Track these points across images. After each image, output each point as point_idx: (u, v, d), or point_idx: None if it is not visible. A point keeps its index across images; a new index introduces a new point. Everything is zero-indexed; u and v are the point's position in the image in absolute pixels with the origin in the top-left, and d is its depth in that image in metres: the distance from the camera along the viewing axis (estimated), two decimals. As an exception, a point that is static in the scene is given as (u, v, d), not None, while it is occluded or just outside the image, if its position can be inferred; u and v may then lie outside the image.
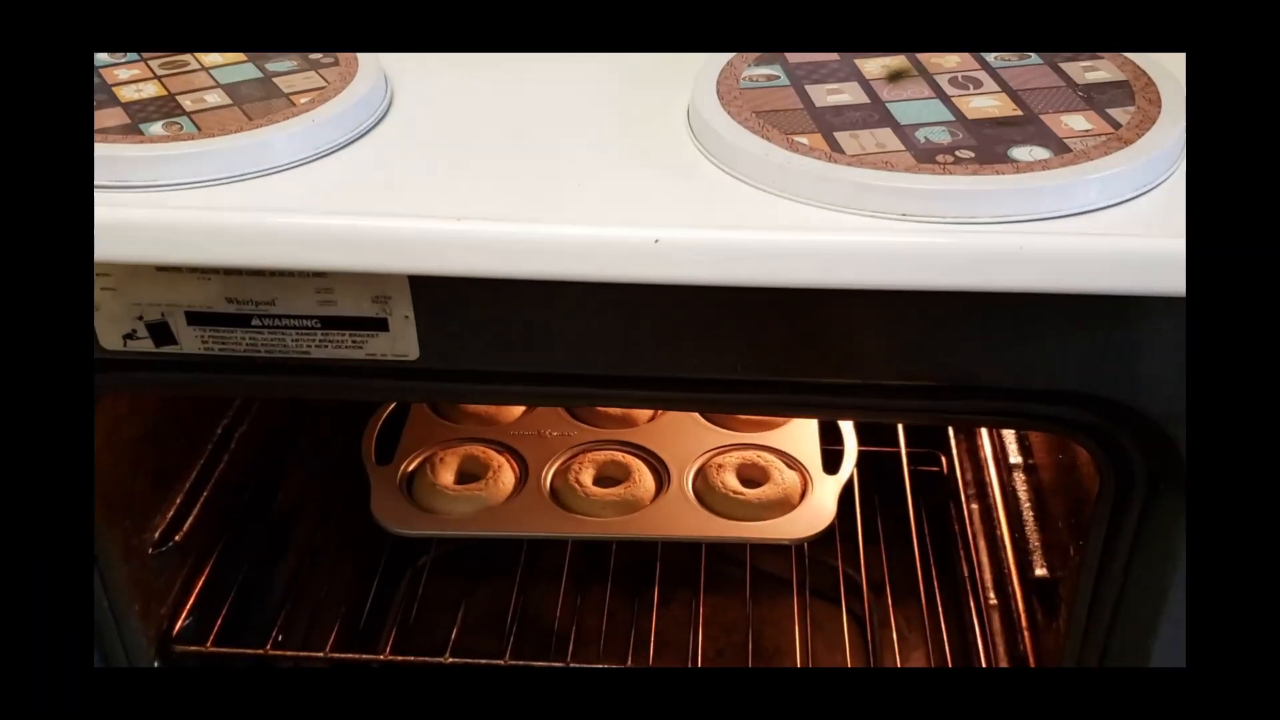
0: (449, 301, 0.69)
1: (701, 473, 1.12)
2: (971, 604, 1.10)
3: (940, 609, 1.13)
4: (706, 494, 1.10)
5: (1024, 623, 0.99)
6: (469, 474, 1.14)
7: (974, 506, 1.18)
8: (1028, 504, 1.05)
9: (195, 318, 0.71)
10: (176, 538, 1.00)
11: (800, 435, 1.17)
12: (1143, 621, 0.76)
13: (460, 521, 1.09)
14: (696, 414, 1.18)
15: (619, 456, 1.15)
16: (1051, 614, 0.91)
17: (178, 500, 1.01)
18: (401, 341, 0.70)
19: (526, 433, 1.18)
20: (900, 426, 1.25)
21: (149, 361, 0.73)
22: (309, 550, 1.19)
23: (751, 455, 1.14)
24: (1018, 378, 0.68)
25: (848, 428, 1.17)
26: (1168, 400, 0.67)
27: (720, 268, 0.61)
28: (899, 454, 1.24)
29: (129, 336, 0.72)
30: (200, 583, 1.03)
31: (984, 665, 1.04)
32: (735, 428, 1.18)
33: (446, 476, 1.12)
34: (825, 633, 1.18)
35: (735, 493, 1.09)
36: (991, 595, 1.09)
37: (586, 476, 1.12)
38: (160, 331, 0.72)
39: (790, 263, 0.61)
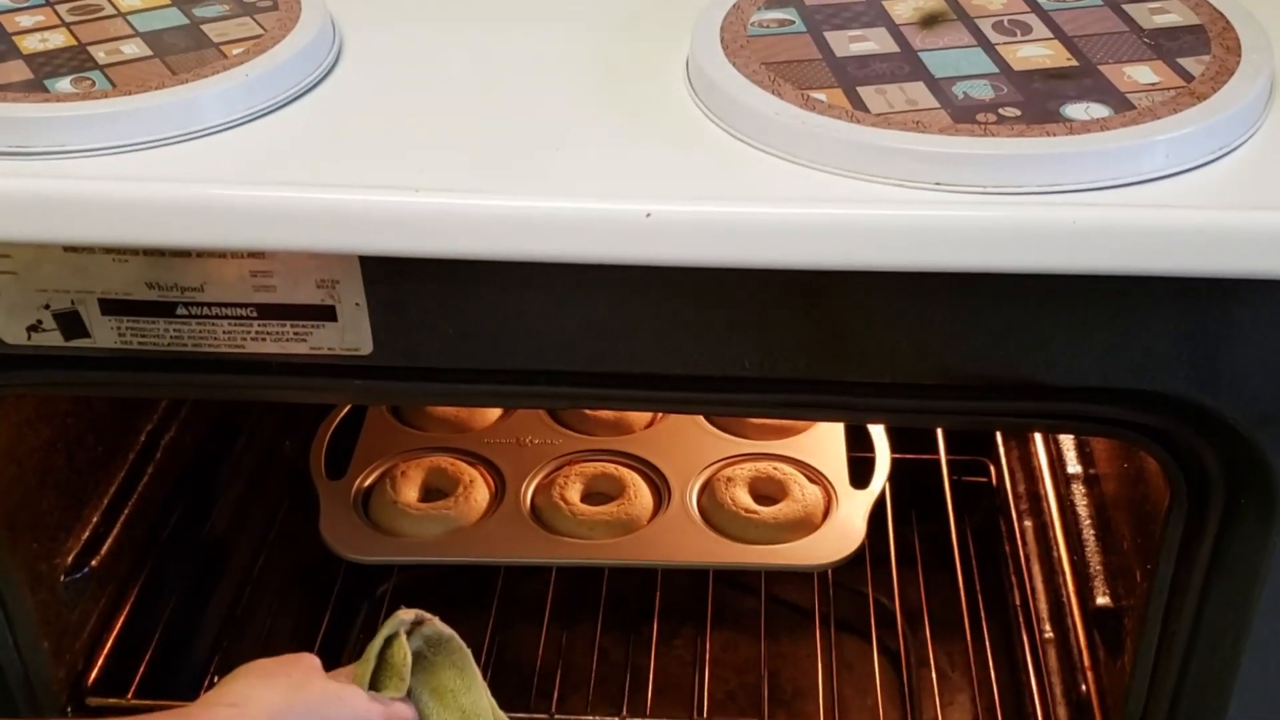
0: (407, 286, 0.69)
1: (708, 487, 1.11)
2: (1024, 638, 1.10)
3: (988, 644, 1.13)
4: (714, 512, 1.09)
5: (1085, 661, 0.99)
6: (436, 489, 1.13)
7: (1027, 524, 1.18)
8: (1088, 521, 1.05)
9: (111, 306, 0.71)
10: (93, 563, 1.00)
11: (823, 443, 1.16)
12: (1221, 661, 0.76)
13: (426, 546, 1.08)
14: (700, 418, 1.18)
15: (611, 469, 1.13)
16: (1115, 651, 0.91)
17: (94, 519, 1.01)
18: (352, 333, 0.71)
19: (503, 441, 1.16)
20: (939, 430, 1.25)
21: (57, 357, 0.73)
22: (249, 578, 1.20)
23: (766, 467, 1.13)
24: (1072, 374, 0.68)
25: (879, 432, 1.17)
26: (1252, 400, 0.67)
27: (722, 246, 0.61)
28: (939, 462, 1.24)
29: (33, 328, 0.72)
30: (121, 618, 1.04)
31: (1039, 713, 1.04)
32: (746, 435, 1.17)
33: (409, 493, 1.11)
34: (854, 672, 1.18)
35: (748, 511, 1.09)
36: (1047, 628, 1.09)
37: (573, 492, 1.11)
38: (70, 322, 0.72)
39: (804, 240, 0.61)
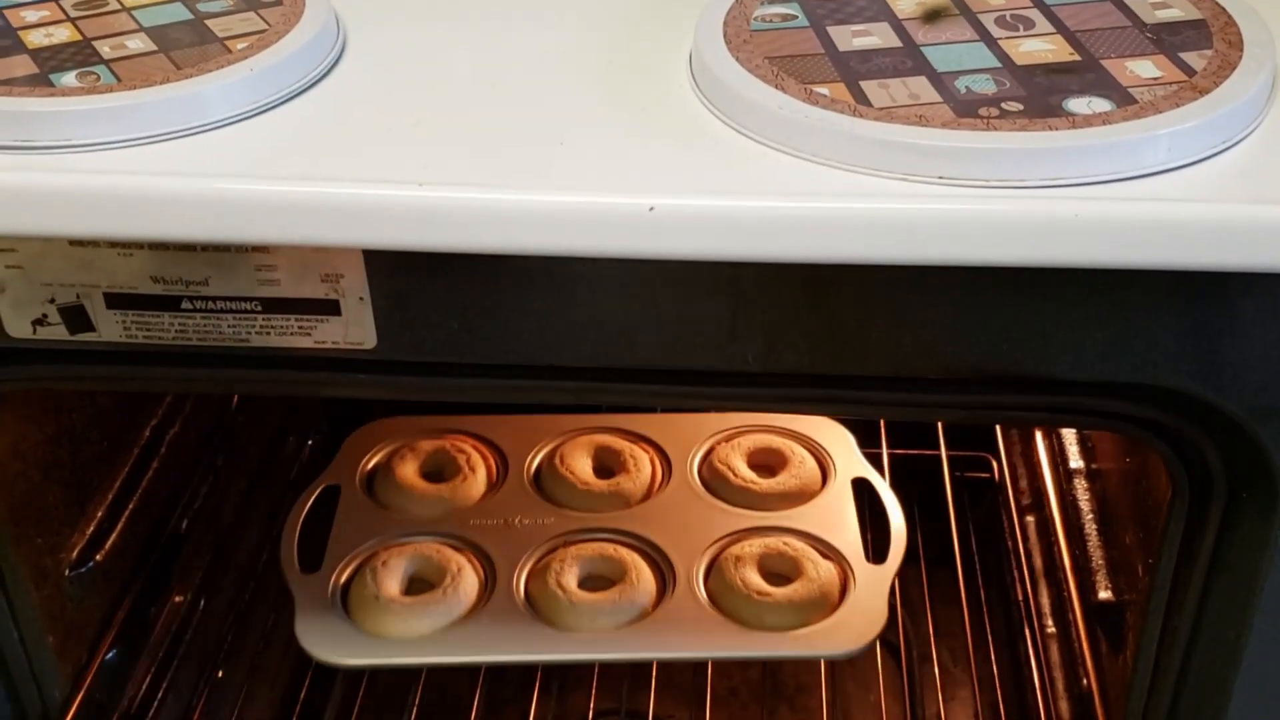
0: (410, 281, 0.69)
1: (715, 568, 1.04)
2: (1027, 633, 1.10)
3: (990, 639, 1.13)
4: (724, 595, 1.02)
5: (1087, 655, 0.99)
6: (421, 580, 1.04)
7: (1029, 519, 1.19)
8: (1090, 516, 1.05)
9: (116, 300, 0.72)
10: (97, 558, 1.00)
11: (834, 511, 1.10)
12: (1223, 655, 0.76)
13: (414, 646, 0.99)
14: (702, 489, 1.13)
15: (610, 549, 1.06)
16: (1117, 645, 0.92)
17: (99, 515, 1.02)
18: (356, 327, 0.71)
19: (490, 522, 1.08)
20: (941, 426, 1.25)
21: (63, 351, 0.74)
22: (253, 574, 1.20)
23: (776, 543, 1.06)
24: (1074, 368, 0.68)
25: (892, 502, 1.11)
26: (1254, 394, 0.68)
27: (724, 240, 0.61)
28: (940, 458, 1.25)
29: (39, 322, 0.72)
30: (121, 614, 1.04)
31: (1041, 708, 1.04)
32: (751, 505, 1.11)
33: (392, 585, 1.03)
34: (856, 667, 1.18)
35: (760, 593, 1.01)
36: (1050, 623, 1.09)
37: (570, 578, 1.03)
38: (75, 316, 0.72)
39: (806, 234, 0.61)
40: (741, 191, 0.62)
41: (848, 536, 1.07)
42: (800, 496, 1.12)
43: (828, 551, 1.06)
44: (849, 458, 1.16)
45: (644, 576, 1.03)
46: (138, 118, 0.66)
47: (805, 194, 0.61)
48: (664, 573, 1.05)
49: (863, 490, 1.13)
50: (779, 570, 1.04)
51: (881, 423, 1.23)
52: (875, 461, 1.18)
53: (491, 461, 1.16)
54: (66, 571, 0.97)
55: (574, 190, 0.61)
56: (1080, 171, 0.61)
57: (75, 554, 0.99)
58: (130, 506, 1.05)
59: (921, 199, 0.61)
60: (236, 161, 0.65)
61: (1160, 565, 0.77)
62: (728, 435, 1.18)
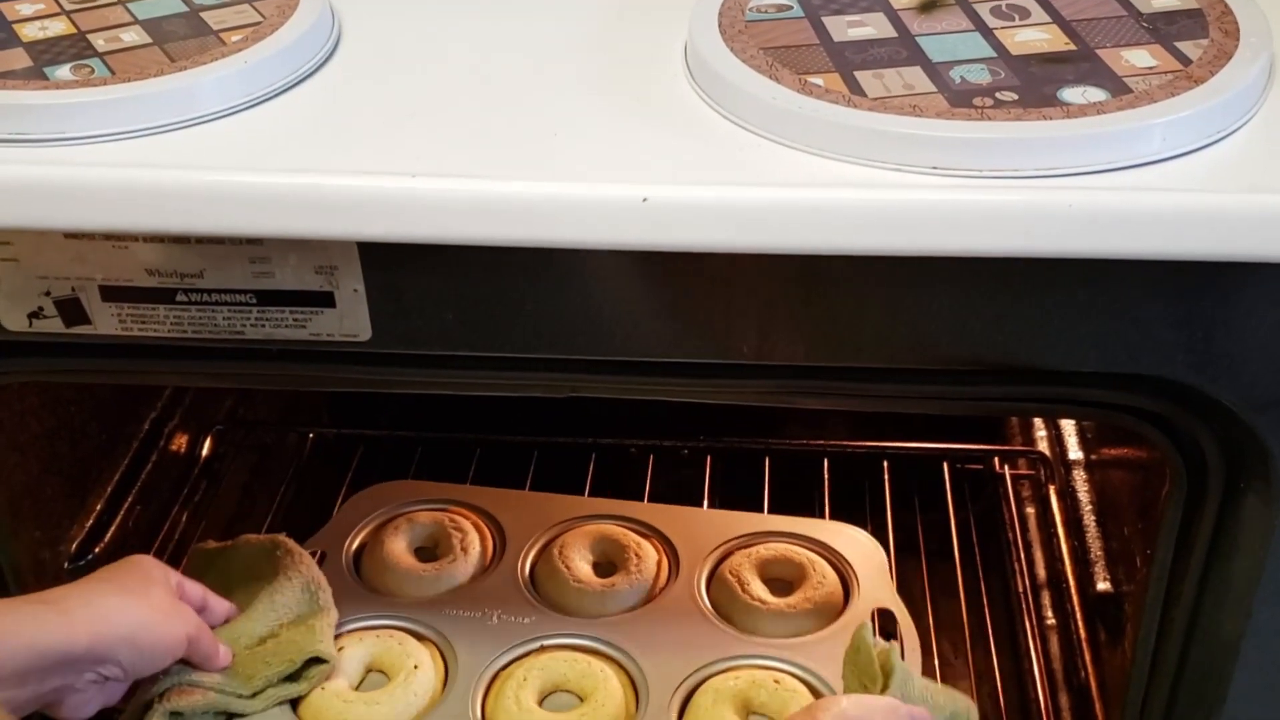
0: (405, 272, 0.69)
1: (694, 702, 0.91)
2: (1027, 624, 1.10)
3: (990, 631, 1.13)
4: None
5: (1085, 646, 0.99)
6: (378, 671, 0.94)
7: (1029, 510, 1.19)
8: (1089, 507, 1.05)
9: (111, 293, 0.72)
10: (96, 550, 1.00)
11: (840, 645, 0.92)
12: (1221, 646, 0.76)
13: None
14: (705, 600, 1.00)
15: (583, 662, 0.93)
16: (1116, 636, 0.92)
17: (98, 507, 1.02)
18: (350, 319, 0.71)
19: (467, 613, 0.97)
20: (940, 417, 1.25)
21: (59, 344, 0.74)
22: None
23: (767, 679, 0.92)
24: (1070, 358, 0.68)
25: (912, 639, 1.00)
26: (1250, 384, 0.68)
27: (719, 231, 0.61)
28: (940, 450, 1.24)
29: (34, 315, 0.73)
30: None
31: (1042, 699, 1.04)
32: (757, 628, 0.98)
33: (344, 676, 0.92)
34: (856, 660, 1.18)
35: None
36: (1050, 614, 1.09)
37: (530, 692, 0.91)
38: (71, 309, 0.72)
39: (801, 225, 0.61)
40: (735, 182, 0.62)
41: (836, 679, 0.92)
42: (812, 619, 0.98)
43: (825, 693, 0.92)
44: (877, 580, 1.03)
45: (613, 698, 0.91)
46: (132, 110, 0.66)
47: (799, 184, 0.61)
48: (638, 692, 0.92)
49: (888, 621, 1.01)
50: (766, 714, 0.91)
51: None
52: (876, 455, 1.18)
53: (490, 541, 1.06)
54: (65, 564, 0.97)
55: (568, 180, 0.62)
56: (1074, 161, 0.61)
57: (74, 547, 0.99)
58: (129, 499, 1.05)
59: (915, 189, 0.61)
60: (231, 154, 0.65)
61: (1157, 555, 0.77)
62: (746, 540, 1.06)
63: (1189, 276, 0.64)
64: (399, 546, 1.04)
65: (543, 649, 0.95)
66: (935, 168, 0.61)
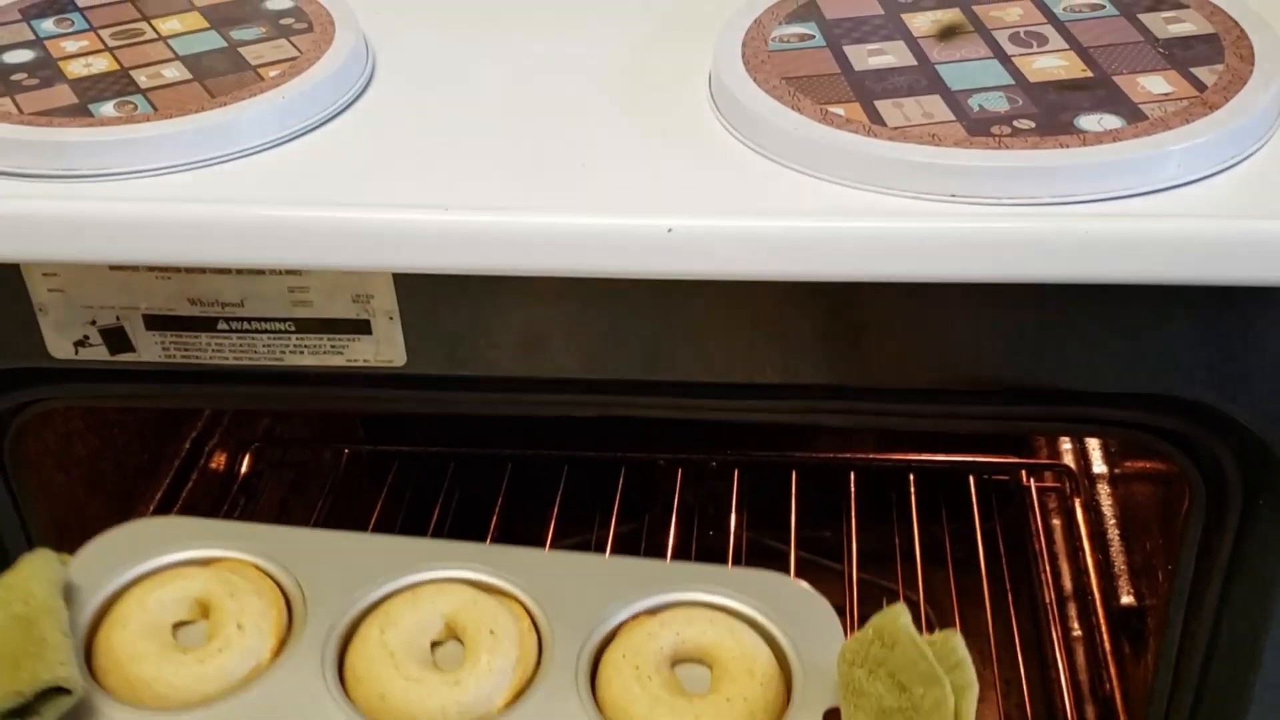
0: (438, 300, 0.71)
1: None
2: (1053, 636, 1.11)
3: (1017, 642, 1.14)
4: None
5: (1110, 659, 1.00)
6: None
7: (1055, 522, 1.19)
8: (1113, 521, 1.05)
9: (155, 322, 0.74)
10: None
11: None
12: (1242, 660, 0.77)
13: None
14: (587, 703, 0.73)
15: None
16: (1139, 649, 0.92)
17: (141, 525, 1.04)
18: (386, 346, 0.73)
19: None
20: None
21: (104, 371, 0.76)
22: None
23: None
24: (1089, 379, 0.69)
25: None
26: (1268, 404, 0.68)
27: (742, 260, 0.62)
28: (966, 463, 1.25)
29: (80, 344, 0.75)
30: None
31: (1069, 711, 1.05)
32: None
33: None
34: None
35: None
36: (1076, 626, 1.10)
37: None
38: (116, 338, 0.74)
39: (822, 253, 0.62)
40: (758, 211, 0.63)
41: None
42: None
43: None
44: (823, 668, 0.72)
45: None
46: (174, 146, 0.68)
47: (820, 214, 0.62)
48: None
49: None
50: None
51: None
52: (903, 468, 1.18)
53: (283, 611, 0.77)
54: (111, 582, 0.99)
55: (594, 213, 0.63)
56: (1091, 189, 0.62)
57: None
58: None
59: (934, 217, 0.62)
60: (270, 188, 0.66)
61: (1179, 571, 0.78)
62: (648, 611, 0.77)
63: (1206, 298, 0.65)
64: (141, 624, 0.75)
65: None
66: (954, 195, 0.63)
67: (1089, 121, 0.65)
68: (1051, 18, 0.74)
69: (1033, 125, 0.65)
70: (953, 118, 0.66)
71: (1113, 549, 1.04)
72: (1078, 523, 1.12)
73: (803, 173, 0.65)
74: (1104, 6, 0.74)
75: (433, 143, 0.70)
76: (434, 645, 0.77)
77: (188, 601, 0.77)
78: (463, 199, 0.64)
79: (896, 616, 0.69)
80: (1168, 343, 0.67)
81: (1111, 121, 0.65)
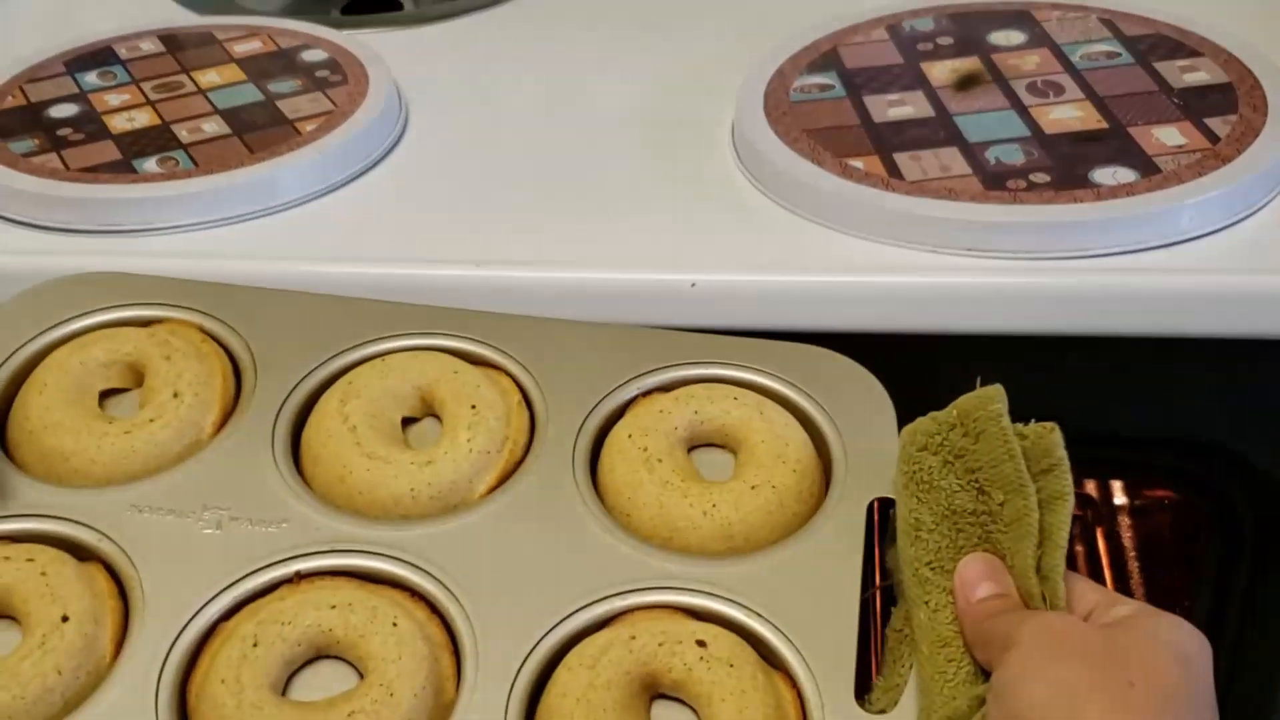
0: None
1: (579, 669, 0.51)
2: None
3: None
4: None
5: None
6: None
7: (1079, 549, 1.20)
8: (1133, 554, 1.06)
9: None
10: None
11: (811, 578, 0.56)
12: (1258, 699, 0.78)
13: None
14: (583, 484, 0.57)
15: (351, 600, 0.53)
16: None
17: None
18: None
19: (156, 515, 0.56)
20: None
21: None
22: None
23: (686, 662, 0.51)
24: (1108, 424, 0.70)
25: None
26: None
27: (761, 313, 0.64)
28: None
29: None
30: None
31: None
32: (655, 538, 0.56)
33: None
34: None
35: None
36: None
37: (254, 677, 0.51)
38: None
39: (840, 306, 0.64)
40: (777, 265, 0.65)
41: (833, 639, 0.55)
42: (760, 531, 0.57)
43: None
44: (870, 455, 0.58)
45: (410, 671, 0.51)
46: (214, 202, 0.70)
47: (839, 268, 0.64)
48: (459, 659, 0.52)
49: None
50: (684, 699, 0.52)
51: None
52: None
53: (225, 379, 0.63)
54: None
55: (619, 268, 0.65)
56: (1104, 242, 0.63)
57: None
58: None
59: (950, 271, 0.63)
60: (308, 243, 0.69)
61: (1195, 608, 0.79)
62: (661, 387, 0.61)
63: (1223, 349, 0.66)
64: (64, 385, 0.62)
65: (298, 579, 0.55)
66: (969, 250, 0.64)
67: (1103, 175, 0.66)
68: (1068, 66, 0.75)
69: (1048, 179, 0.66)
70: (970, 171, 0.67)
71: (1133, 581, 1.04)
72: (1099, 551, 1.13)
73: (823, 225, 0.67)
74: (1120, 54, 0.76)
75: (464, 196, 0.72)
76: (406, 423, 0.62)
77: (117, 365, 0.63)
78: (493, 253, 0.66)
79: (989, 401, 0.53)
80: (1184, 390, 0.69)
81: (1125, 175, 0.66)
